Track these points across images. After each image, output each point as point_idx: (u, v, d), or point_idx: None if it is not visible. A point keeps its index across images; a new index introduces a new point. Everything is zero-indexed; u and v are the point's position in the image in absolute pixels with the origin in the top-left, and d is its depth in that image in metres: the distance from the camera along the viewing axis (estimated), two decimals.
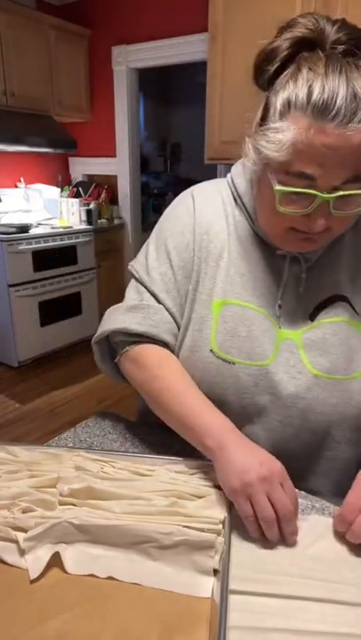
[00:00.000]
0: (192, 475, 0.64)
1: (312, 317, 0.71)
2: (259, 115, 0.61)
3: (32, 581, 0.49)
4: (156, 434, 0.78)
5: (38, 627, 0.45)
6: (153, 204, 5.01)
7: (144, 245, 0.82)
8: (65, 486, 0.58)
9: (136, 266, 0.80)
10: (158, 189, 5.44)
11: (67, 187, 3.52)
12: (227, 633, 0.43)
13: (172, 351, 0.76)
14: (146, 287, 0.76)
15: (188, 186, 0.81)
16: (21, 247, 2.71)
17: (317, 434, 0.71)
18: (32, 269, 2.81)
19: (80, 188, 3.50)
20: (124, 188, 3.55)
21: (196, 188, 0.80)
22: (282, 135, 0.55)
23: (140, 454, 0.73)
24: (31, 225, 2.95)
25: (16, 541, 0.52)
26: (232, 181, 0.76)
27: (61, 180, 3.56)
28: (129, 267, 0.81)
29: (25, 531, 0.53)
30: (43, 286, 2.89)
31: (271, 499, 0.55)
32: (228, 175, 0.78)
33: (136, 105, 3.42)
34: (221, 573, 0.49)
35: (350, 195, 0.57)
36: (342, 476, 0.72)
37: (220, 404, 0.71)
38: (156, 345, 0.75)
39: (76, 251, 3.05)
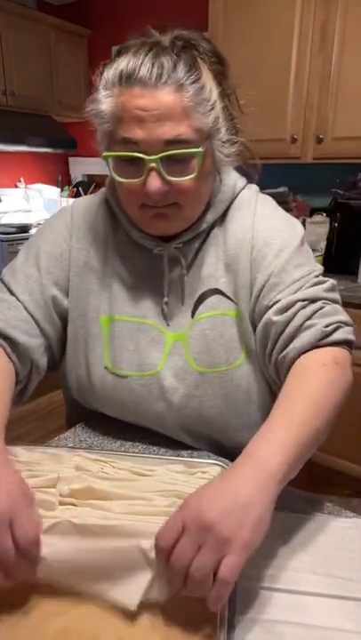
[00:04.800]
0: (192, 475, 0.64)
1: (193, 314, 0.73)
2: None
3: (32, 581, 0.49)
4: (156, 434, 0.78)
5: (39, 627, 0.45)
6: None
7: None
8: (65, 486, 0.58)
9: (4, 269, 0.78)
10: None
11: (67, 187, 3.52)
12: (227, 633, 0.43)
13: (25, 350, 0.70)
14: (7, 287, 0.74)
15: None
16: (21, 247, 2.71)
17: (215, 426, 0.76)
18: None
19: (80, 188, 3.49)
20: None
21: (76, 203, 0.81)
22: (103, 105, 0.62)
23: (140, 454, 0.73)
24: (31, 225, 2.94)
25: None
26: (106, 192, 0.78)
27: (61, 179, 3.55)
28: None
29: None
30: None
31: None
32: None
33: None
34: None
35: (175, 154, 0.60)
36: None
37: (125, 415, 0.78)
38: None
39: None
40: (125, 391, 0.74)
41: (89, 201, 0.81)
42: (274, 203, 0.78)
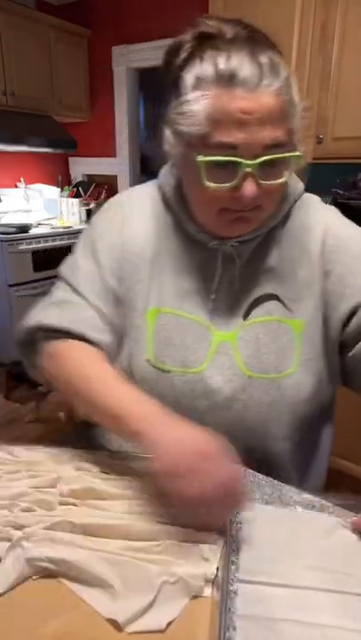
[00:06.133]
0: None
1: (245, 316, 0.71)
2: (172, 101, 0.62)
3: (32, 581, 0.49)
4: None
5: (38, 627, 0.45)
6: None
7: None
8: (65, 486, 0.58)
9: (63, 267, 0.77)
10: None
11: (67, 187, 3.52)
12: (226, 633, 0.43)
13: (101, 348, 0.71)
14: (71, 285, 0.74)
15: None
16: (21, 247, 2.71)
17: (256, 433, 0.73)
18: (32, 269, 2.80)
19: (80, 188, 3.49)
20: (124, 188, 3.55)
21: (127, 194, 0.80)
22: (196, 106, 0.57)
23: (141, 454, 0.73)
24: (31, 225, 2.95)
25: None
26: (160, 184, 0.76)
27: (61, 179, 3.55)
28: (58, 270, 0.79)
29: None
30: (43, 286, 2.87)
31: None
32: (158, 178, 0.78)
33: (136, 105, 3.42)
34: (221, 572, 0.49)
35: (274, 159, 0.58)
36: (279, 470, 0.74)
37: None
38: (80, 342, 0.70)
39: None
40: (167, 386, 0.72)
41: (141, 193, 0.79)
42: (336, 210, 0.77)
